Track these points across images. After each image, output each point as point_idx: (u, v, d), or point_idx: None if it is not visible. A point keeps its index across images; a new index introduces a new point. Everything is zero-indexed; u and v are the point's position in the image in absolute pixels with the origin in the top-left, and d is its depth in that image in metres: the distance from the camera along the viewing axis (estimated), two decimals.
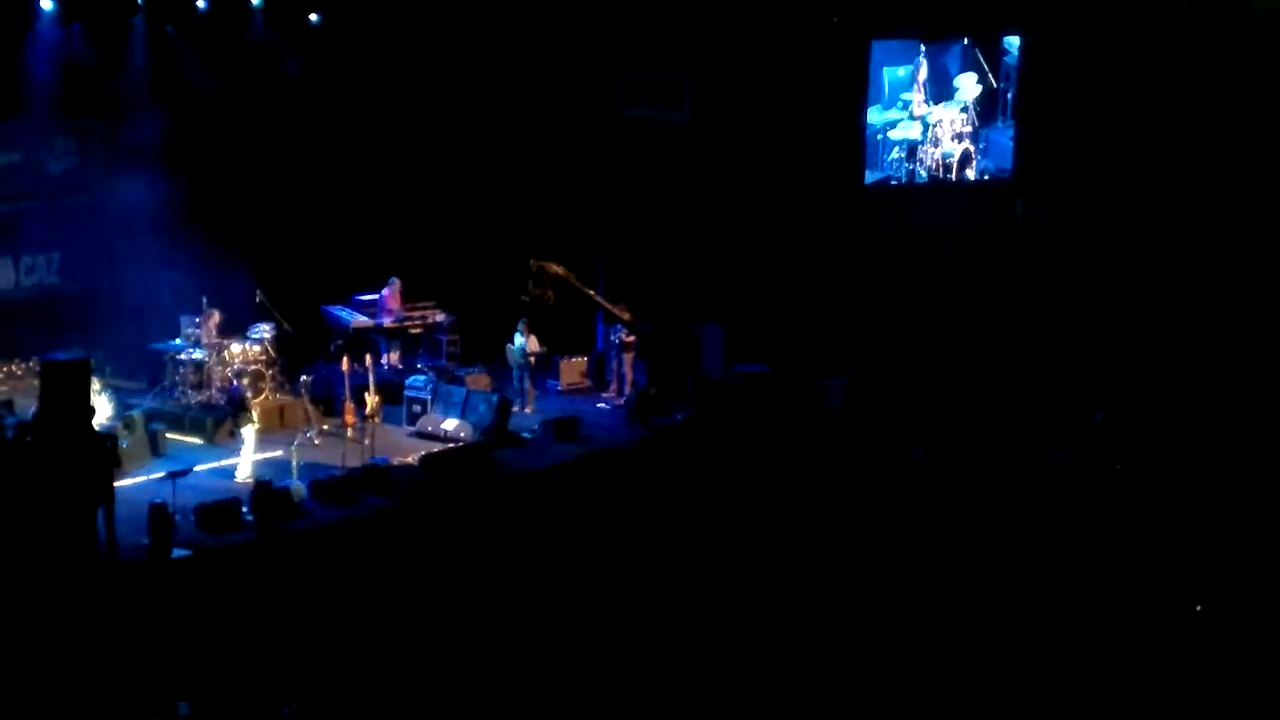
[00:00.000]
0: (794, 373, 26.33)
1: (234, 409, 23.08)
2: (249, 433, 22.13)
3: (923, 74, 29.76)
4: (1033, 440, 23.77)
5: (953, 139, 30.16)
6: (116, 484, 19.79)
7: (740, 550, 20.16)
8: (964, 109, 30.14)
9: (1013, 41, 29.82)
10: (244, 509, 20.19)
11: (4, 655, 16.50)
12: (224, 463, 22.23)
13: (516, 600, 18.42)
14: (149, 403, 23.85)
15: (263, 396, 23.87)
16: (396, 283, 26.61)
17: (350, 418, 23.17)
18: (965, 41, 29.71)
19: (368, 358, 24.07)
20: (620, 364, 26.62)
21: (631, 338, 26.37)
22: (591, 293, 26.17)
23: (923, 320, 28.37)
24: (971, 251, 29.84)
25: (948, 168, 30.32)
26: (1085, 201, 28.98)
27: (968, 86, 30.04)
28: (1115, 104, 28.35)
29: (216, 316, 24.41)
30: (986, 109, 30.20)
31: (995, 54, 29.90)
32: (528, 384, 25.81)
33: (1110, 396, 24.93)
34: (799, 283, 28.61)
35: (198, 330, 24.33)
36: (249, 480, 21.28)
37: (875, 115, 29.64)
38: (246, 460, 21.87)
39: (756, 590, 18.91)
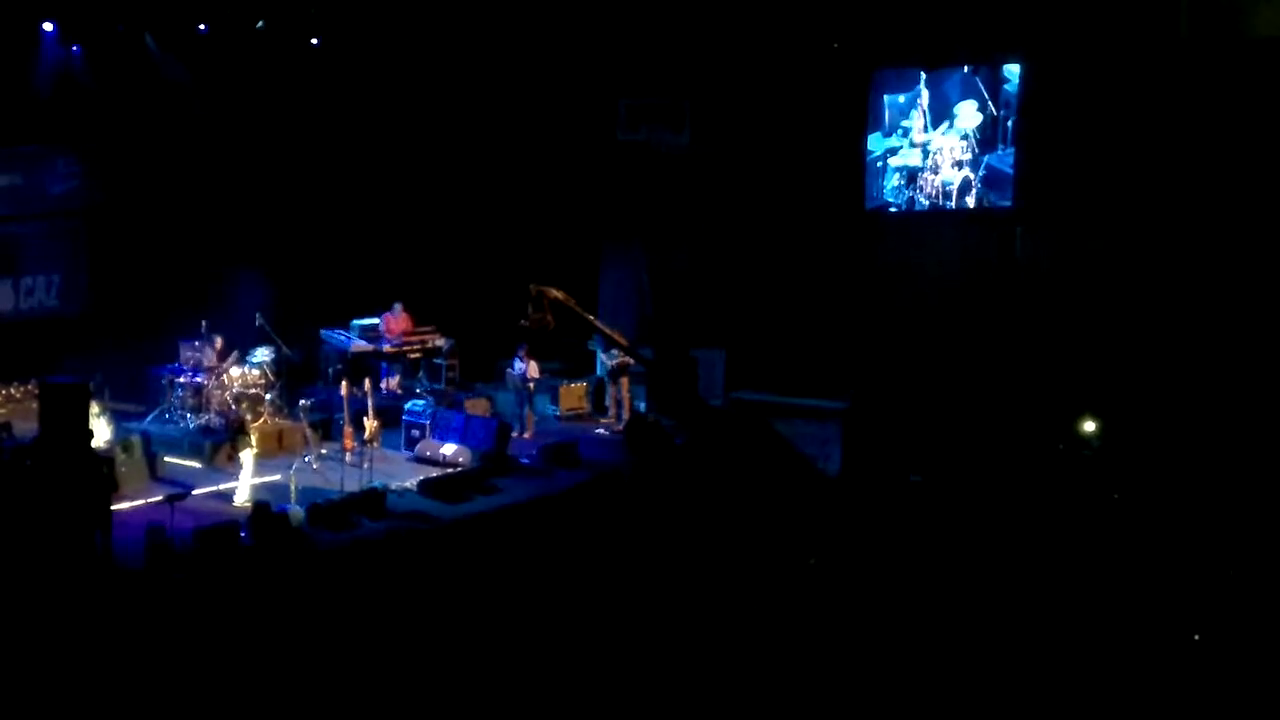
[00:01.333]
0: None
1: (232, 432, 23.04)
2: (247, 456, 22.11)
3: (923, 101, 29.81)
4: (1028, 467, 23.76)
5: (953, 166, 30.17)
6: (114, 507, 19.80)
7: (737, 574, 20.14)
8: (964, 136, 30.16)
9: (1013, 70, 29.86)
10: (242, 533, 20.18)
11: (3, 680, 16.48)
12: (222, 486, 22.21)
13: (513, 625, 18.39)
14: (148, 426, 23.86)
15: (261, 420, 23.85)
16: (399, 307, 26.64)
17: (349, 442, 23.15)
18: (965, 69, 29.75)
19: (367, 382, 24.07)
20: (618, 389, 26.64)
21: (628, 360, 26.37)
22: (591, 317, 26.18)
23: (922, 346, 28.37)
24: (971, 278, 29.84)
25: (947, 195, 30.34)
26: (1086, 229, 28.99)
27: (968, 114, 30.07)
28: (1115, 131, 28.38)
29: (219, 342, 24.43)
30: (986, 137, 30.21)
31: (995, 82, 29.94)
32: (527, 409, 25.82)
33: (1109, 422, 24.92)
34: (799, 308, 28.62)
35: (198, 354, 24.33)
36: (247, 504, 21.27)
37: (875, 142, 29.69)
38: (245, 484, 21.86)
39: (754, 614, 18.89)
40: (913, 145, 29.89)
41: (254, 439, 22.62)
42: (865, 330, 28.74)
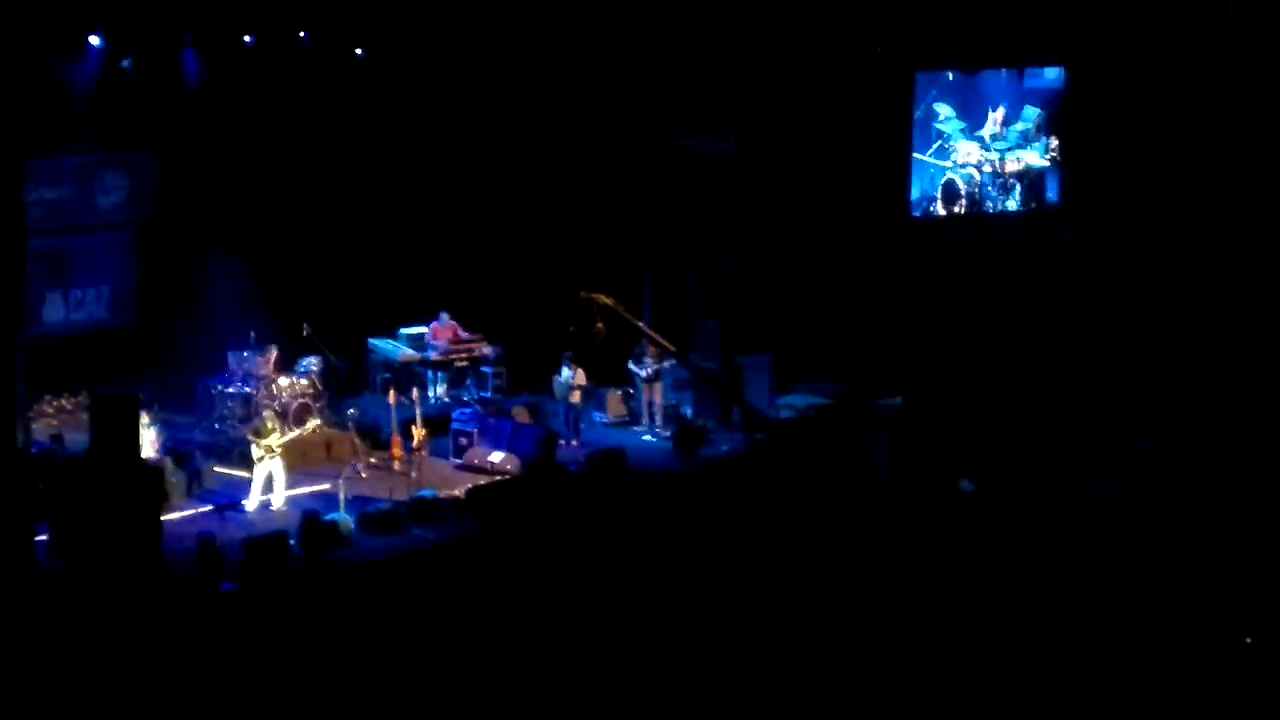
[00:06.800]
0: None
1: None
2: (277, 467, 21.97)
3: (963, 104, 29.73)
4: (1081, 470, 23.64)
5: (998, 169, 30.11)
6: (165, 518, 19.92)
7: (784, 583, 20.11)
8: (1002, 139, 30.08)
9: (1054, 72, 29.73)
10: (291, 542, 20.27)
11: (54, 689, 16.60)
12: (269, 496, 22.28)
13: (562, 632, 18.42)
14: (197, 436, 23.96)
15: (309, 429, 23.82)
16: (446, 315, 26.71)
17: (397, 450, 23.22)
18: (1004, 72, 29.65)
19: (414, 390, 24.12)
20: (651, 395, 26.40)
21: (661, 365, 26.22)
22: (640, 324, 26.11)
23: (970, 350, 28.22)
24: (1019, 280, 29.70)
25: (993, 198, 30.29)
26: (1133, 229, 28.83)
27: (1008, 116, 29.97)
28: (1159, 130, 28.19)
29: (275, 353, 24.53)
30: (1030, 139, 30.13)
31: (1037, 85, 29.83)
32: (574, 417, 25.79)
33: (1159, 426, 24.76)
34: (845, 314, 28.53)
35: (246, 364, 24.42)
36: (283, 510, 21.31)
37: (919, 145, 29.61)
38: (280, 494, 21.84)
39: (800, 624, 18.86)
40: (953, 147, 29.80)
41: (264, 443, 22.23)
42: (914, 333, 28.59)
